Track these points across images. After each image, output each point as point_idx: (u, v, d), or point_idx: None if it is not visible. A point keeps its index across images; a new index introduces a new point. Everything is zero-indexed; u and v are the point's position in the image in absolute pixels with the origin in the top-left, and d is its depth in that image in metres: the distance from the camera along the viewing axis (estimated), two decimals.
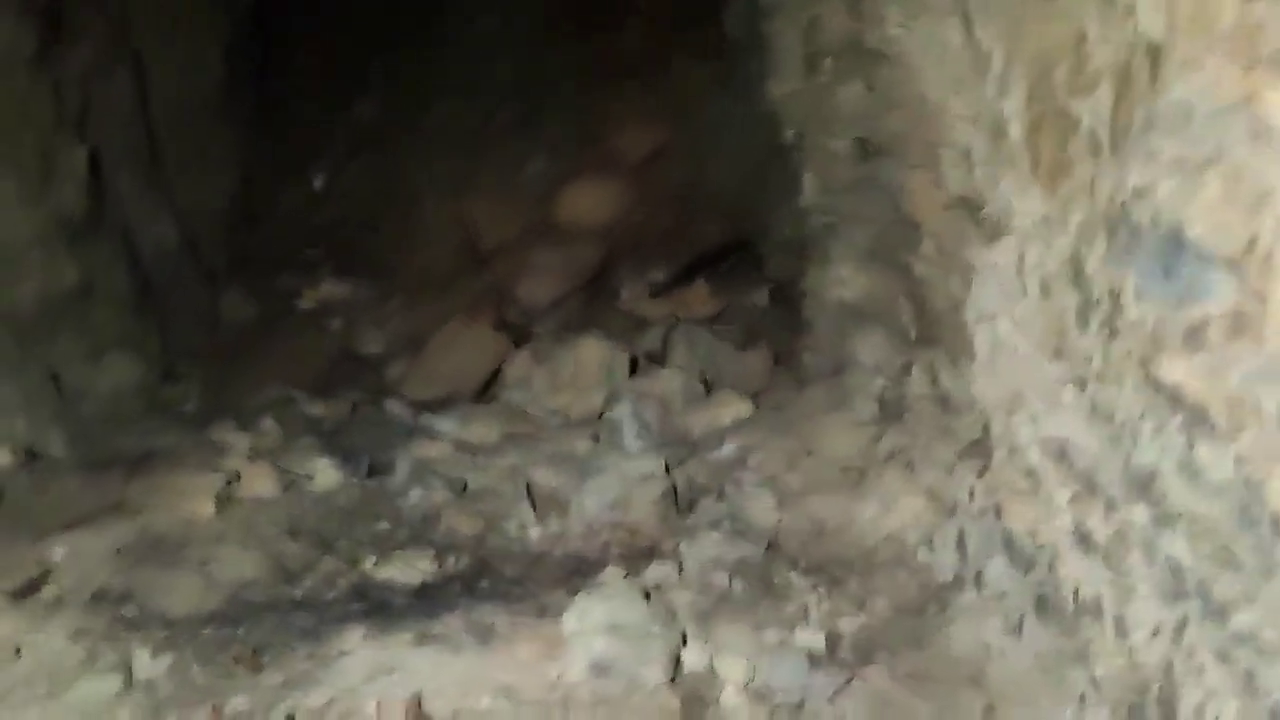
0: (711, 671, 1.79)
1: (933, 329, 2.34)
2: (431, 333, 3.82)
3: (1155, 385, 1.31)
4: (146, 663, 1.90)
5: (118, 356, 3.17)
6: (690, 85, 5.12)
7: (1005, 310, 1.75)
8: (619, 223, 4.57)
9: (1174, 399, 1.28)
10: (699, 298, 3.98)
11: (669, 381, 2.94)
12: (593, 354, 3.06)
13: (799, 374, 3.12)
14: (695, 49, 5.34)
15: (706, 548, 2.16)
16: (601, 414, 3.05)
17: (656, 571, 2.09)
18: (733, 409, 2.79)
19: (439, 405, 3.29)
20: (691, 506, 2.44)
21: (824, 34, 2.71)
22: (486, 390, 3.44)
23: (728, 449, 2.62)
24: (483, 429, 3.00)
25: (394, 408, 3.30)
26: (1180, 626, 1.30)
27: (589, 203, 4.53)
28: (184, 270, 3.82)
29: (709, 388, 3.05)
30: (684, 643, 1.84)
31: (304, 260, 4.25)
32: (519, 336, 3.74)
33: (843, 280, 2.74)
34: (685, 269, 4.29)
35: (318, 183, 4.50)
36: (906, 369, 2.46)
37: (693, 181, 4.77)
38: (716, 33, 5.32)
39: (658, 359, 3.43)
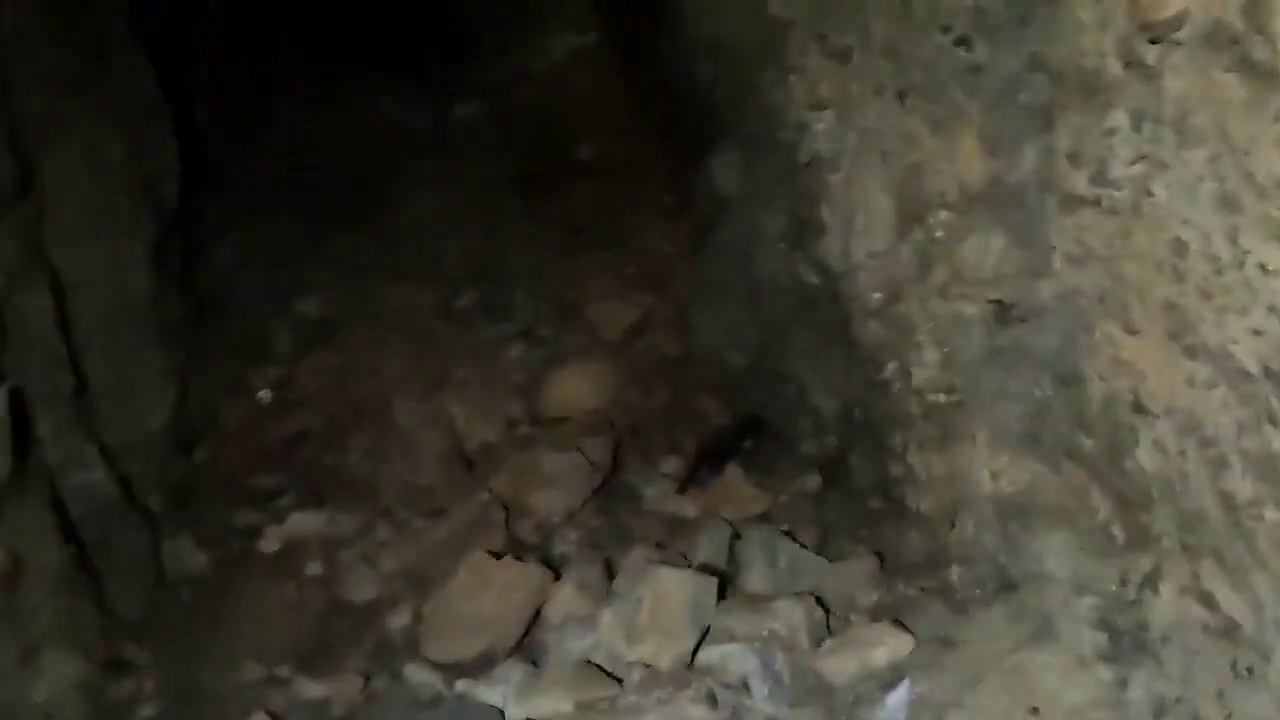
0: None
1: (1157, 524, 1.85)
2: (436, 566, 3.17)
3: None
4: None
5: (54, 655, 2.43)
6: (659, 248, 4.72)
7: None
8: (613, 408, 4.05)
9: None
10: (741, 491, 3.43)
11: (789, 614, 2.35)
12: (676, 587, 2.45)
13: (919, 582, 2.58)
14: (651, 207, 4.98)
15: None
16: (692, 659, 2.44)
17: None
18: (885, 646, 2.21)
19: (476, 667, 2.64)
20: None
21: (931, 182, 2.27)
22: (526, 637, 2.79)
23: (897, 706, 2.04)
24: (550, 700, 2.35)
25: (418, 675, 2.63)
26: None
27: (578, 389, 4.00)
28: (119, 521, 3.10)
29: (827, 614, 2.48)
30: None
31: (260, 489, 3.55)
32: (545, 560, 3.12)
33: (997, 471, 2.23)
34: (704, 456, 3.75)
35: (264, 394, 3.84)
36: (1128, 582, 1.94)
37: (682, 355, 4.30)
38: (672, 188, 4.99)
39: (728, 576, 2.85)
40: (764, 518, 3.29)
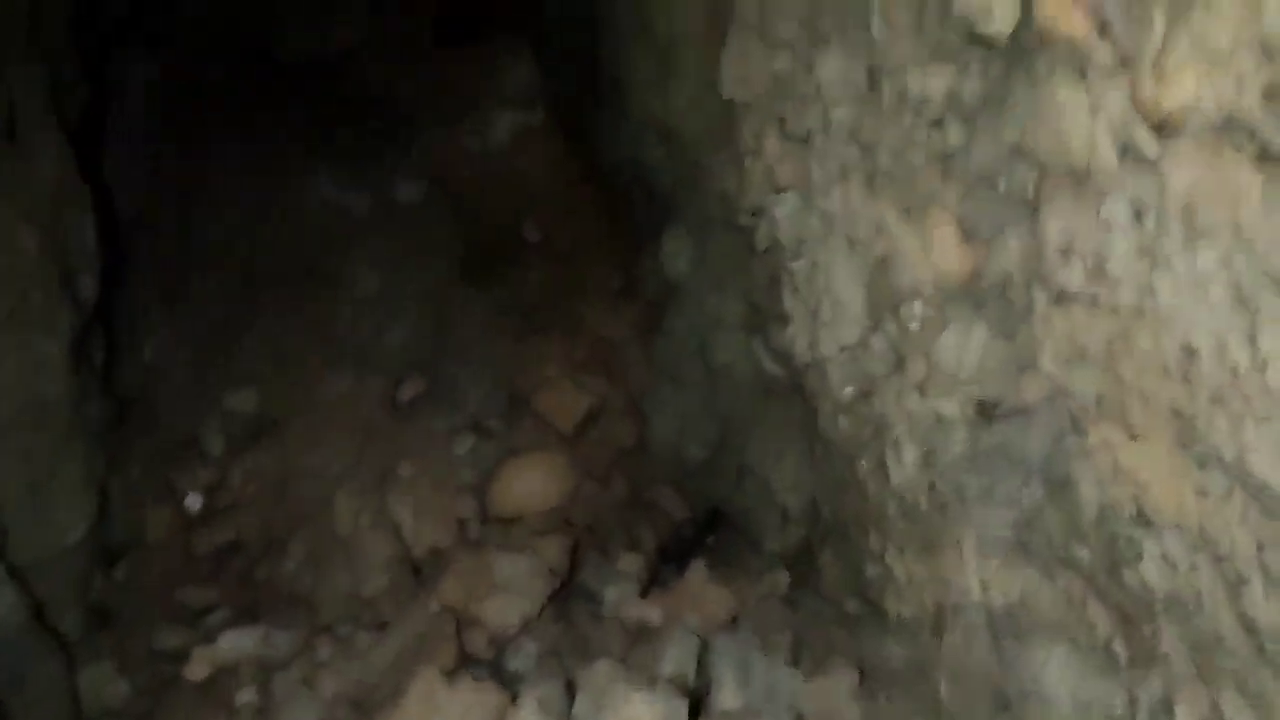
0: None
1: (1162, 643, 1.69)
2: (382, 688, 2.93)
3: None
4: None
5: None
6: (610, 333, 4.56)
7: None
8: (568, 504, 3.85)
9: None
10: (707, 592, 3.23)
11: None
12: (644, 711, 2.25)
13: (904, 697, 2.40)
14: (600, 290, 4.85)
15: None
16: None
17: None
18: None
19: None
20: None
21: (904, 271, 2.13)
22: None
23: None
24: None
25: None
26: None
27: (530, 485, 3.81)
28: (30, 650, 2.83)
29: None
30: None
31: (188, 607, 3.29)
32: (500, 676, 2.89)
33: (987, 580, 2.07)
34: (665, 553, 3.57)
35: (192, 501, 3.58)
36: (1137, 706, 1.78)
37: (637, 445, 4.14)
38: (621, 270, 4.85)
39: (698, 694, 2.64)
40: (733, 623, 3.10)
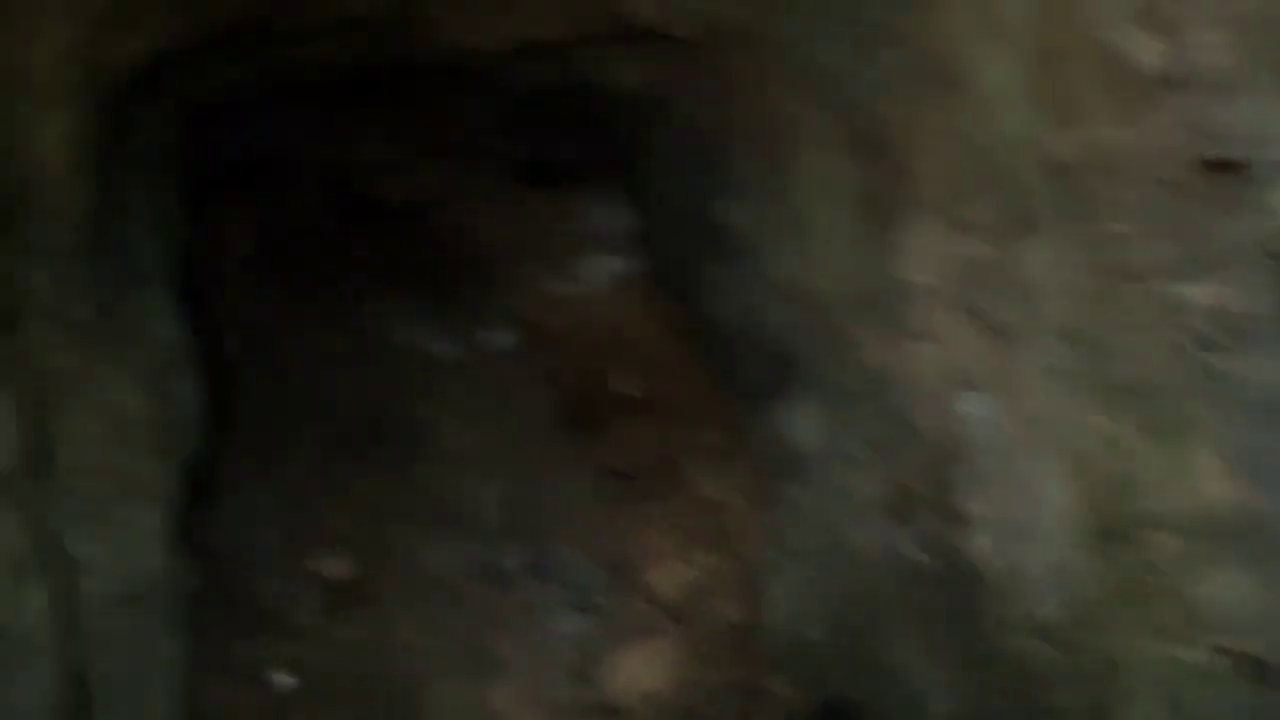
0: None
1: None
2: None
3: None
4: None
5: None
6: (717, 499, 4.31)
7: None
8: (674, 689, 3.55)
9: None
10: None
11: None
12: None
13: None
14: (703, 453, 4.61)
15: None
16: None
17: None
18: None
19: None
20: None
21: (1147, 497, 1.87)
22: None
23: None
24: None
25: None
26: None
27: (641, 671, 3.53)
28: None
29: None
30: None
31: None
32: None
33: None
34: None
35: (283, 680, 3.32)
36: None
37: (748, 623, 3.84)
38: (726, 432, 4.63)
39: None
40: None
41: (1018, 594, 2.28)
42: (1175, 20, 1.63)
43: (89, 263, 2.97)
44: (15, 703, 2.23)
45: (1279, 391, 1.63)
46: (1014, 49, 1.99)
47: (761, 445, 4.11)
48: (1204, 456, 1.76)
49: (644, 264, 5.36)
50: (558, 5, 3.29)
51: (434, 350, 5.05)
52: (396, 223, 5.53)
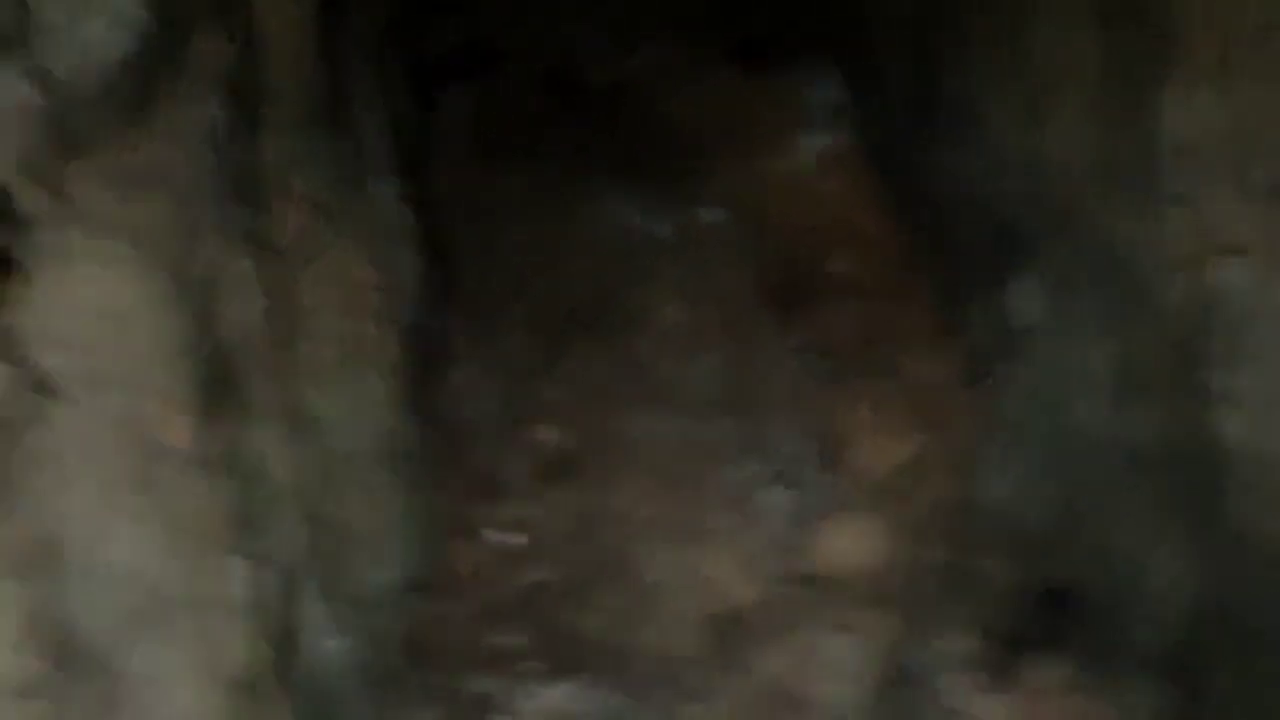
0: None
1: None
2: None
3: None
4: None
5: None
6: (928, 379, 4.18)
7: None
8: (886, 566, 3.51)
9: None
10: (1066, 700, 2.83)
11: None
12: None
13: None
14: (914, 332, 4.47)
15: None
16: None
17: None
18: None
19: None
20: None
21: None
22: None
23: None
24: None
25: None
26: None
27: (846, 543, 3.49)
28: (351, 690, 2.74)
29: None
30: None
31: (497, 651, 3.16)
32: None
33: None
34: (1006, 638, 3.17)
35: (498, 537, 3.48)
36: None
37: (962, 504, 3.74)
38: (938, 311, 4.47)
39: None
40: None
41: (1274, 475, 2.12)
42: None
43: (320, 140, 3.10)
44: (271, 542, 2.40)
45: None
46: None
47: (980, 324, 3.96)
48: None
49: (857, 141, 5.19)
50: None
51: (644, 229, 5.06)
52: (608, 105, 5.54)
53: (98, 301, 1.74)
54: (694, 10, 5.71)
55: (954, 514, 3.74)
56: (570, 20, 5.87)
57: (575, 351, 4.26)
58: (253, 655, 2.05)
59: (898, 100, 4.49)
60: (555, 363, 4.21)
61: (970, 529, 3.68)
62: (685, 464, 3.85)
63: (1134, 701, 2.72)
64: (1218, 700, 2.52)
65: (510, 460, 3.87)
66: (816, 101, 5.39)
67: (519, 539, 3.60)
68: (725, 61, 5.68)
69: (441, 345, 4.16)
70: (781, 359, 4.29)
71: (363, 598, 2.92)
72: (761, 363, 4.28)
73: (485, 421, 4.05)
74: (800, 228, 4.96)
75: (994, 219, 3.63)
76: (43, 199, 1.63)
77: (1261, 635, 2.33)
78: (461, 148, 5.10)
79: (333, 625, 2.71)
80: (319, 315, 2.80)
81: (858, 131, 5.15)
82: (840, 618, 3.17)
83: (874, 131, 4.95)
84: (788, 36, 5.60)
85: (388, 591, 3.03)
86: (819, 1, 5.29)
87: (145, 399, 1.83)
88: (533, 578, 3.46)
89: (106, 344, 1.75)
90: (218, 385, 2.03)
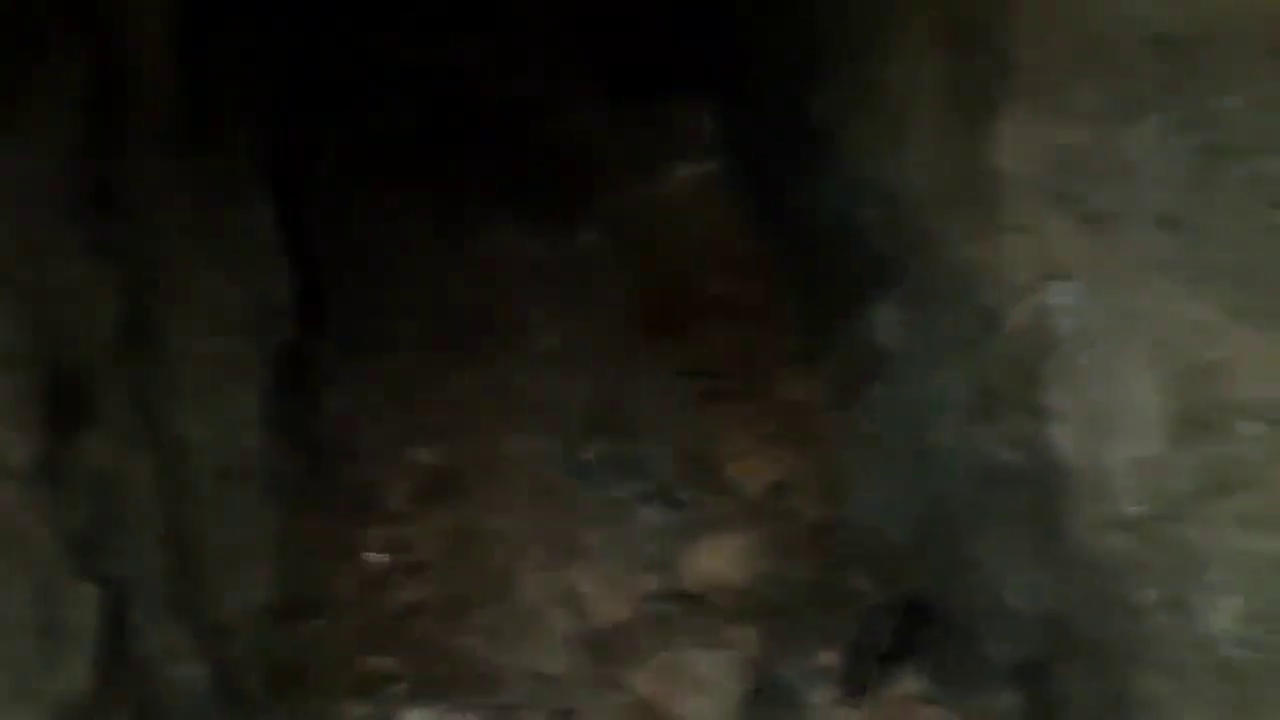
0: None
1: None
2: None
3: None
4: None
5: None
6: (798, 400, 4.31)
7: None
8: (756, 583, 3.60)
9: None
10: (925, 710, 2.93)
11: None
12: None
13: None
14: (785, 354, 4.60)
15: None
16: None
17: None
18: None
19: None
20: None
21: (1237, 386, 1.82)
22: None
23: None
24: None
25: None
26: None
27: (718, 562, 3.56)
28: (217, 716, 2.70)
29: None
30: None
31: (369, 674, 3.14)
32: None
33: None
34: (868, 651, 3.27)
35: (376, 559, 3.46)
36: None
37: (829, 522, 3.86)
38: (807, 334, 4.62)
39: None
40: None
41: (1102, 490, 2.26)
42: None
43: (186, 157, 3.07)
44: (128, 561, 2.36)
45: None
46: None
47: (845, 346, 4.09)
48: None
49: (730, 167, 5.33)
50: None
51: (524, 252, 5.10)
52: (489, 127, 5.57)
53: None
54: (572, 39, 5.80)
55: (822, 531, 3.85)
56: (453, 45, 5.90)
57: (454, 373, 4.26)
58: (93, 682, 2.00)
59: (768, 128, 4.63)
60: (434, 384, 4.21)
61: (837, 546, 3.79)
62: (562, 484, 3.88)
63: (984, 710, 2.83)
64: (1060, 706, 2.64)
65: (388, 481, 3.85)
66: (691, 129, 5.52)
67: (396, 560, 3.58)
68: (603, 89, 5.78)
69: (318, 366, 4.12)
70: (657, 381, 4.36)
71: (224, 622, 2.87)
72: (637, 384, 4.34)
73: (363, 443, 4.02)
74: (675, 252, 5.07)
75: (856, 244, 3.77)
76: None
77: (1100, 645, 2.46)
78: (340, 168, 5.06)
79: (189, 650, 2.66)
80: (185, 332, 2.76)
81: (731, 158, 5.29)
82: (710, 634, 3.23)
83: (746, 158, 5.09)
84: (663, 65, 5.73)
85: (252, 615, 2.98)
86: (694, 32, 5.42)
87: None
88: (409, 599, 3.44)
89: None
90: (64, 401, 1.99)
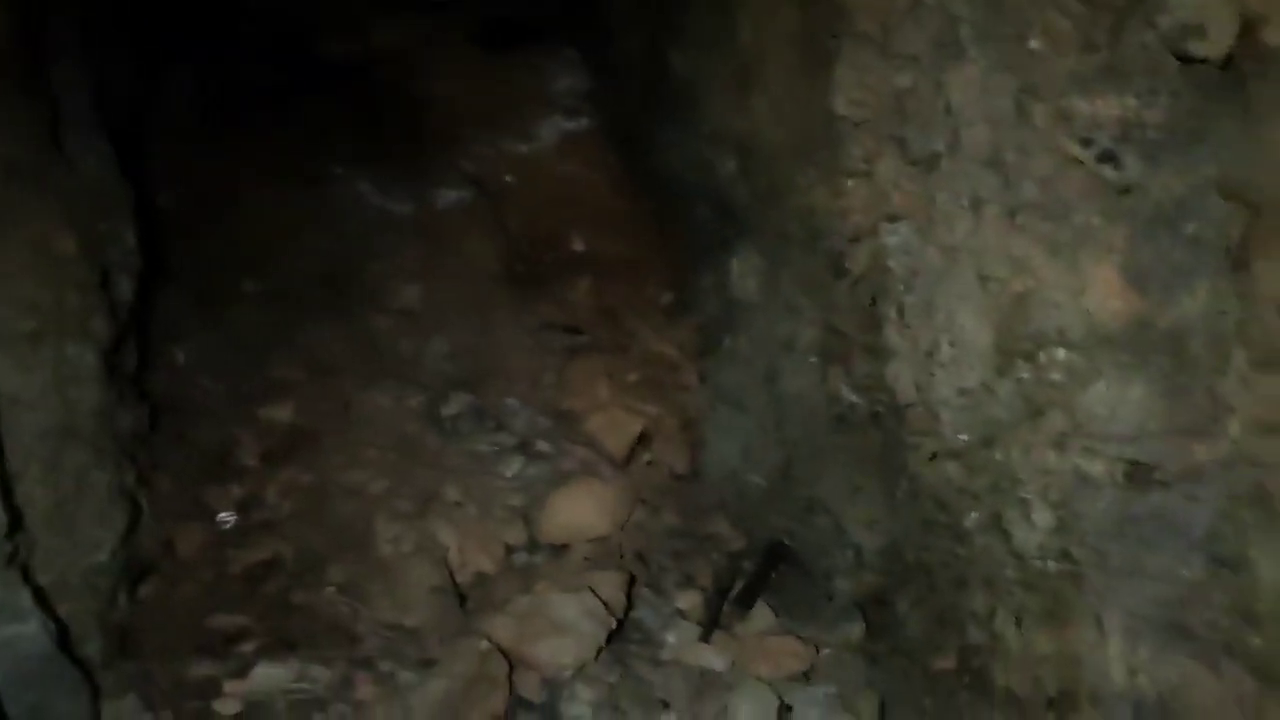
0: None
1: None
2: None
3: None
4: None
5: None
6: (662, 353, 4.35)
7: None
8: (618, 532, 3.64)
9: None
10: (776, 643, 3.02)
11: None
12: None
13: None
14: (651, 307, 4.64)
15: None
16: None
17: None
18: None
19: None
20: None
21: (1046, 314, 1.91)
22: None
23: None
24: None
25: None
26: None
27: (582, 512, 3.60)
28: (54, 681, 2.62)
29: None
30: None
31: (219, 633, 3.08)
32: None
33: (1135, 666, 1.85)
34: (725, 592, 3.35)
35: (225, 517, 3.38)
36: None
37: (691, 472, 3.93)
38: (673, 287, 4.66)
39: None
40: (805, 677, 2.90)
41: (934, 422, 2.34)
42: None
43: (15, 98, 2.92)
44: None
45: (1173, 201, 1.65)
46: None
47: (707, 298, 4.14)
48: (1101, 271, 1.79)
49: (597, 123, 5.31)
50: None
51: (386, 207, 5.01)
52: (349, 80, 5.43)
53: None
54: None
55: (683, 480, 3.91)
56: None
57: (309, 328, 4.17)
58: None
59: (633, 83, 4.63)
60: (288, 340, 4.11)
61: (698, 493, 3.85)
62: (422, 438, 3.84)
63: (831, 637, 2.92)
64: (897, 630, 2.75)
65: (238, 438, 3.75)
66: (559, 85, 5.48)
67: (247, 518, 3.50)
68: (472, 44, 5.69)
69: (165, 321, 3.99)
70: (520, 335, 4.35)
71: (65, 582, 2.78)
72: (500, 339, 4.32)
73: (213, 400, 3.91)
74: (542, 208, 5.04)
75: (715, 196, 3.81)
76: None
77: (930, 570, 2.55)
78: (189, 119, 4.89)
79: (23, 610, 2.57)
80: (10, 282, 2.64)
81: (598, 114, 5.28)
82: (572, 581, 3.24)
83: (612, 114, 5.08)
84: (532, 20, 5.67)
85: (90, 575, 2.89)
86: None
87: None
88: (261, 556, 3.37)
89: None
90: None
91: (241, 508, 3.49)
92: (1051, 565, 2.00)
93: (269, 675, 2.93)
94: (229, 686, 2.90)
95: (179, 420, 3.70)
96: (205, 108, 4.76)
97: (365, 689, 2.89)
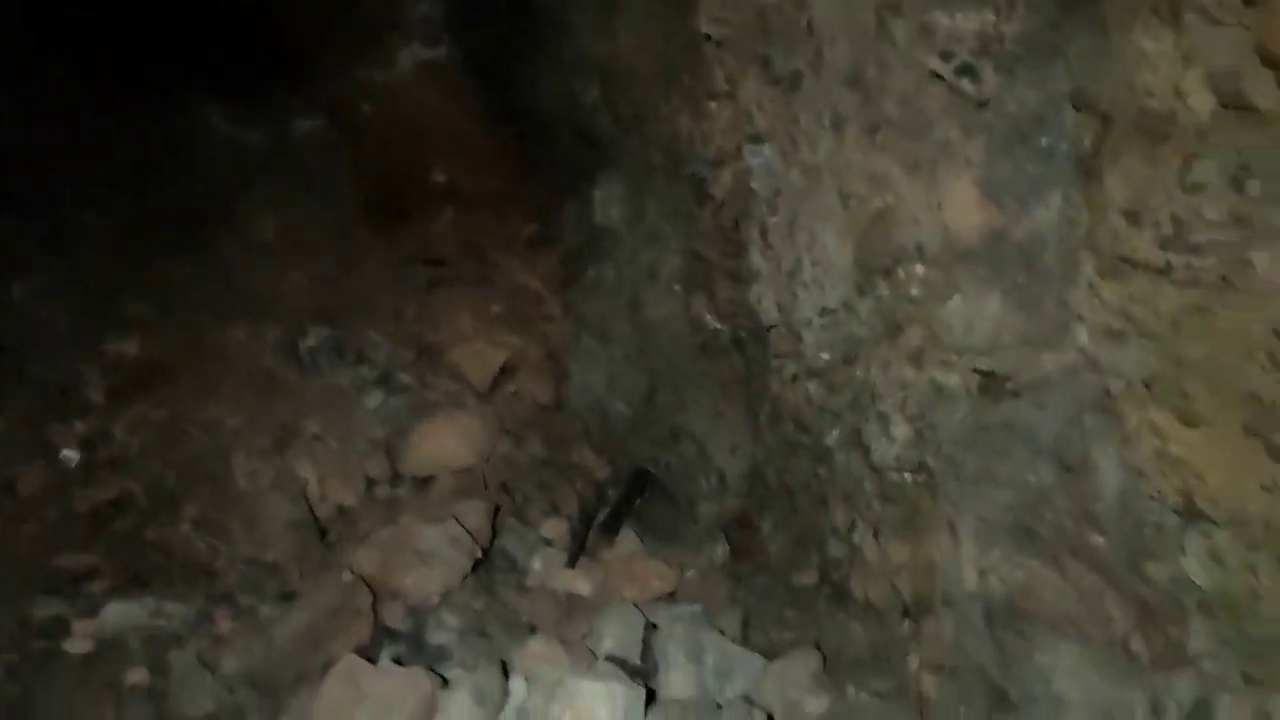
0: None
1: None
2: (291, 667, 2.67)
3: None
4: None
5: None
6: (525, 284, 4.32)
7: None
8: (483, 464, 3.62)
9: None
10: (641, 565, 3.06)
11: None
12: (601, 703, 2.05)
13: (872, 685, 2.26)
14: (514, 239, 4.60)
15: None
16: None
17: None
18: None
19: None
20: None
21: (905, 231, 1.96)
22: None
23: None
24: None
25: None
26: None
27: (445, 444, 3.56)
28: None
29: None
30: None
31: (66, 572, 2.95)
32: (419, 654, 2.68)
33: (986, 568, 1.94)
34: (590, 519, 3.37)
35: (69, 455, 3.22)
36: (1163, 713, 1.67)
37: (556, 402, 3.93)
38: (537, 218, 4.63)
39: (643, 674, 2.47)
40: (671, 597, 2.94)
41: (797, 343, 2.37)
42: None
43: None
44: None
45: (1029, 114, 1.70)
46: None
47: (571, 229, 4.11)
48: (959, 185, 1.83)
49: (457, 52, 5.18)
50: None
51: (239, 138, 4.81)
52: (200, 5, 5.14)
53: None
54: None
55: (548, 411, 3.90)
56: None
57: (159, 263, 3.98)
58: None
59: (495, 12, 4.53)
60: (137, 274, 3.92)
61: (562, 423, 3.85)
62: (280, 372, 3.72)
63: (696, 559, 2.97)
64: (760, 547, 2.81)
65: (85, 374, 3.57)
66: (419, 14, 5.32)
67: (94, 455, 3.34)
68: None
69: (7, 255, 3.76)
70: (380, 268, 4.25)
71: None
72: (360, 272, 4.21)
73: (55, 336, 3.70)
74: (402, 140, 4.91)
75: (578, 125, 3.77)
76: None
77: (793, 490, 2.61)
78: (28, 49, 4.56)
79: None
80: None
81: (457, 43, 5.15)
82: (436, 513, 3.21)
83: (473, 43, 4.96)
84: None
85: None
86: None
87: None
88: (110, 494, 3.23)
89: None
90: None
91: (88, 445, 3.32)
92: (908, 477, 2.06)
93: (121, 613, 2.82)
94: (78, 626, 2.79)
95: (18, 358, 3.49)
96: (44, 35, 4.44)
97: (224, 623, 2.81)
